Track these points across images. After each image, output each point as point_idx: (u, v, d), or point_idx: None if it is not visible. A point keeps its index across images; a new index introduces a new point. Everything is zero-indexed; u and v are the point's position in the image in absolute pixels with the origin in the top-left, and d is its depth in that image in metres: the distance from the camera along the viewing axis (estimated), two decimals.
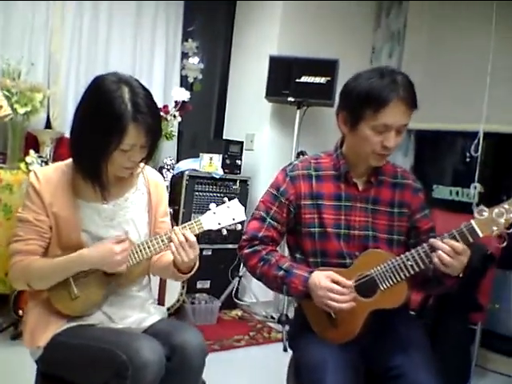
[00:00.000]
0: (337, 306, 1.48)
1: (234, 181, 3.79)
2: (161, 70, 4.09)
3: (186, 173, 3.61)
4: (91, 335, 1.48)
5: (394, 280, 1.50)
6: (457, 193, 3.70)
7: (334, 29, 4.13)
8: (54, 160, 3.20)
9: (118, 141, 1.42)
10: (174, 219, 3.40)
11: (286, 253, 1.84)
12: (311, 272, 1.57)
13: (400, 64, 4.17)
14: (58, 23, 3.57)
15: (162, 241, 1.52)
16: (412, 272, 1.48)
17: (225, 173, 3.74)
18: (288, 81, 3.65)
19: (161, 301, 2.74)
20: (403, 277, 1.50)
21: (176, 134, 4.00)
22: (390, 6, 4.33)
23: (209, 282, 3.72)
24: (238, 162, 3.87)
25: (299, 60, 3.67)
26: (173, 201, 3.35)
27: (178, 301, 3.32)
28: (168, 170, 3.58)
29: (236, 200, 1.59)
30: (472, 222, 1.41)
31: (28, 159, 3.00)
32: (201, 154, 3.69)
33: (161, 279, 2.55)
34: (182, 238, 1.49)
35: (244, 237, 1.73)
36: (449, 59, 3.75)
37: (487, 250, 2.64)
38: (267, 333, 3.50)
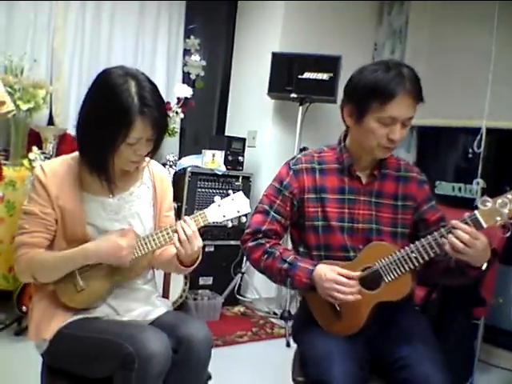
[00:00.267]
0: (343, 297, 1.49)
1: (237, 177, 3.79)
2: (163, 67, 4.10)
3: (189, 169, 3.61)
4: (97, 327, 1.48)
5: (399, 272, 1.51)
6: (459, 189, 3.70)
7: (336, 26, 4.14)
8: (57, 156, 3.21)
9: (125, 134, 1.42)
10: (177, 216, 3.40)
11: (289, 247, 1.84)
12: (315, 265, 1.58)
13: (402, 60, 4.16)
14: (60, 22, 3.58)
15: (168, 233, 1.53)
16: (416, 264, 1.49)
17: (227, 169, 3.75)
18: (290, 77, 3.65)
19: (165, 295, 2.75)
20: (407, 269, 1.50)
21: (178, 130, 4.02)
22: (391, 4, 4.33)
23: (211, 278, 3.73)
24: (241, 158, 3.88)
25: (301, 56, 3.67)
26: (175, 197, 3.32)
27: (181, 297, 3.32)
28: (170, 166, 3.59)
29: (241, 192, 1.59)
30: (476, 212, 1.41)
31: (31, 156, 3.00)
32: (203, 151, 3.70)
33: (165, 274, 2.56)
34: (189, 230, 1.50)
35: (247, 230, 1.73)
36: (451, 56, 3.75)
37: (490, 245, 2.64)
38: (270, 328, 3.50)
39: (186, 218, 1.53)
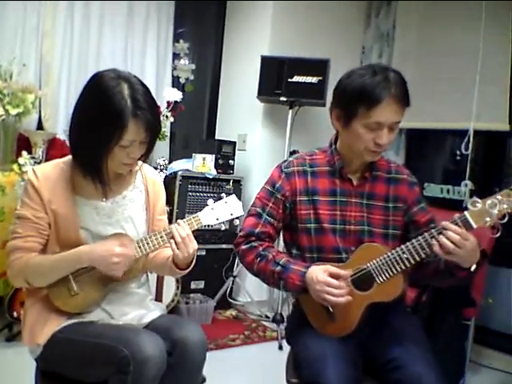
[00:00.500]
0: (333, 299, 1.50)
1: (227, 181, 3.80)
2: (152, 70, 4.10)
3: (180, 173, 3.61)
4: (92, 331, 1.48)
5: (391, 273, 1.52)
6: (448, 191, 3.73)
7: (324, 29, 4.16)
8: (47, 161, 3.20)
9: (119, 136, 1.43)
10: (168, 220, 3.40)
11: (282, 249, 1.85)
12: (308, 267, 1.59)
13: (390, 64, 4.19)
14: (49, 24, 3.57)
15: (161, 237, 1.53)
16: (408, 265, 1.50)
17: (218, 173, 3.75)
18: (280, 81, 3.67)
19: (158, 298, 2.74)
20: (399, 270, 1.52)
21: (168, 134, 4.02)
22: (379, 6, 4.35)
23: (203, 282, 3.72)
24: (231, 162, 3.88)
25: (291, 60, 3.69)
26: (166, 201, 3.34)
27: (173, 301, 3.32)
28: (161, 170, 3.59)
29: (234, 195, 1.60)
30: (466, 213, 1.43)
31: (21, 160, 2.98)
32: (194, 155, 3.70)
33: (158, 277, 2.56)
34: (183, 233, 1.50)
35: (240, 233, 1.74)
36: (438, 58, 3.78)
37: (479, 246, 2.66)
38: (262, 332, 3.51)
39: (180, 221, 1.54)
